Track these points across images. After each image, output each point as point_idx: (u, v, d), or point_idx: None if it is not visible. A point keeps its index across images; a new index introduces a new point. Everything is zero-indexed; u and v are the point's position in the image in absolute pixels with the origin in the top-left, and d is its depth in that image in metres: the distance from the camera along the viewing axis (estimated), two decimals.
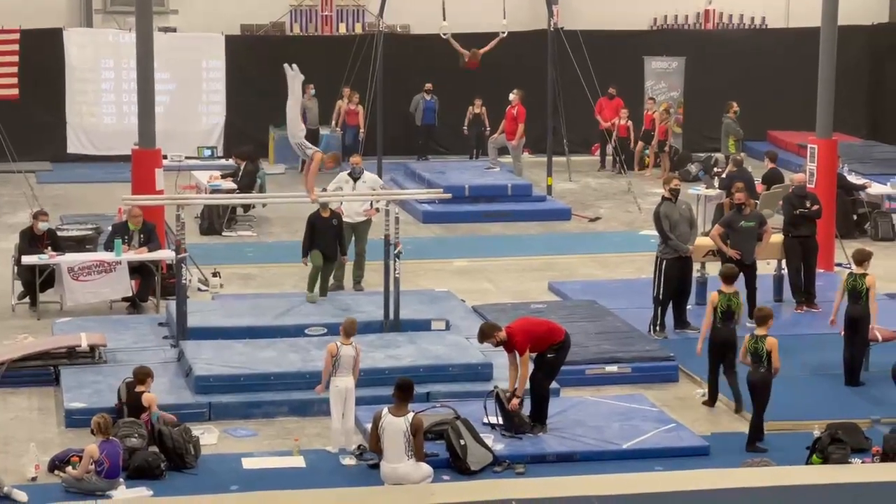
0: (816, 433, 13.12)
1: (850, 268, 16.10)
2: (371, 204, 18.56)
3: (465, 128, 28.84)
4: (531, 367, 13.62)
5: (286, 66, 16.62)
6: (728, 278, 14.64)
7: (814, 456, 12.93)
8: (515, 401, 13.45)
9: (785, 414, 13.98)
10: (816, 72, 20.05)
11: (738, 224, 17.15)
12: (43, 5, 28.40)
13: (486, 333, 13.61)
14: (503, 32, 23.92)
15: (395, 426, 12.30)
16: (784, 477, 12.48)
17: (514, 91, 26.77)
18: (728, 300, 14.36)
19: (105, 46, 28.37)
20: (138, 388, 13.27)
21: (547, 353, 13.58)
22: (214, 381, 14.44)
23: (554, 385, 14.04)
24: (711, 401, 14.66)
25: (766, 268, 18.56)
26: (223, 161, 25.79)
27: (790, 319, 17.44)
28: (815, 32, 20.37)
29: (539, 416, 13.61)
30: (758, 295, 17.19)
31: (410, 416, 12.38)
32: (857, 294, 14.98)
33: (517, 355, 13.44)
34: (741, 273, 16.99)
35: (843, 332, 15.22)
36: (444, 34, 23.71)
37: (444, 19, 23.58)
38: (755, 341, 13.51)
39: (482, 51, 24.59)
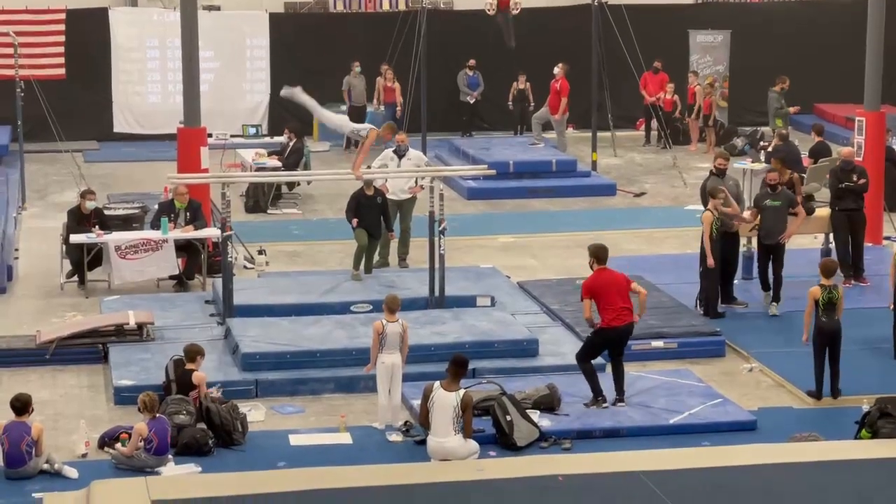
0: (865, 408, 13.02)
1: None
2: (416, 181, 18.56)
3: (510, 103, 28.76)
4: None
5: (284, 89, 17.00)
6: (827, 272, 13.99)
7: (863, 430, 12.84)
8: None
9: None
10: (864, 43, 19.87)
11: (763, 202, 16.87)
12: None
13: (592, 255, 13.74)
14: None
15: (446, 400, 12.32)
16: (832, 452, 12.41)
17: (559, 65, 26.67)
18: (829, 293, 13.78)
19: (150, 25, 28.44)
20: (188, 366, 13.34)
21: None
22: (261, 359, 14.51)
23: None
24: (819, 393, 14.00)
25: (814, 242, 18.43)
26: (268, 139, 25.82)
27: None
28: (863, 4, 20.16)
29: (593, 391, 13.65)
30: (805, 269, 17.04)
31: (461, 392, 12.40)
32: None
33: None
34: (769, 253, 16.81)
35: (891, 306, 15.11)
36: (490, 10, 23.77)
37: None
38: None
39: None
